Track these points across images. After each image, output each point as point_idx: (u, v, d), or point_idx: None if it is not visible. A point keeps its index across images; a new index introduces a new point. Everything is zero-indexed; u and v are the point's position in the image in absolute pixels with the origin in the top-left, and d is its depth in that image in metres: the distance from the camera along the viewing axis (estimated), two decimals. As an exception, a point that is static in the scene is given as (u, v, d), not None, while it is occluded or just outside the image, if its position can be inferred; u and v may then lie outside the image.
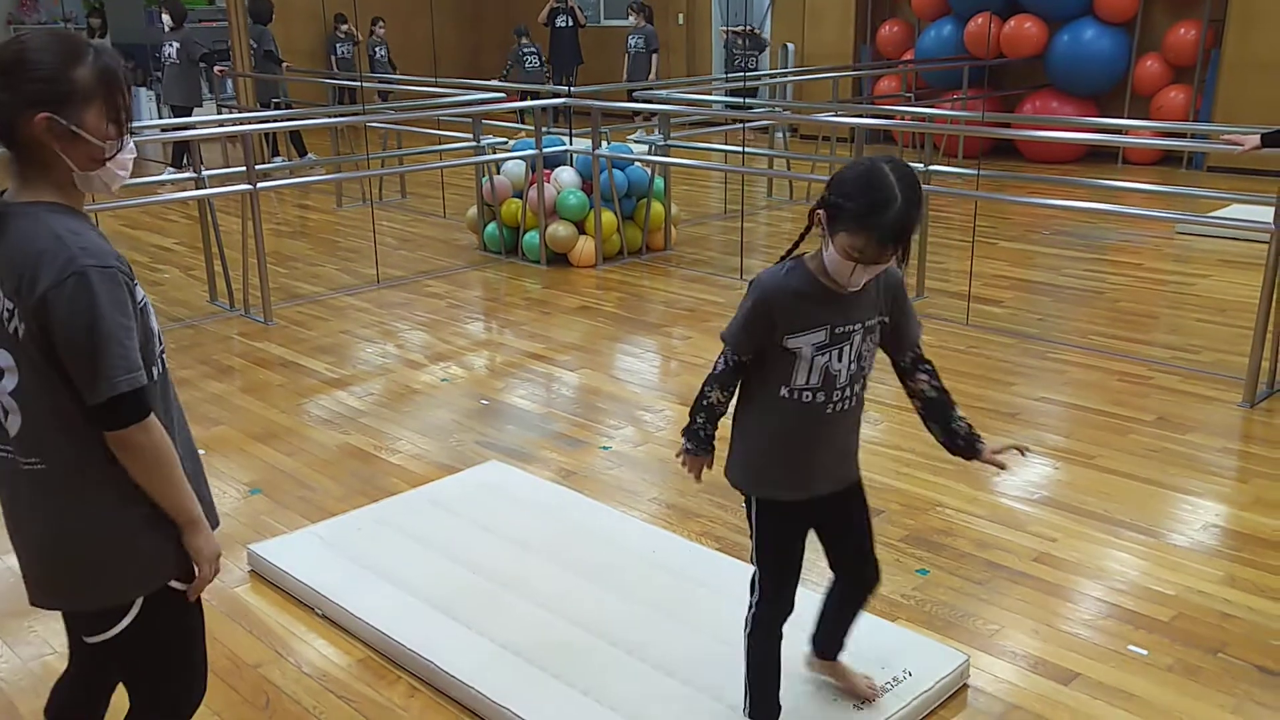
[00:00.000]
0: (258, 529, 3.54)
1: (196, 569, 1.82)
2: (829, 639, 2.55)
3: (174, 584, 1.81)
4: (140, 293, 1.70)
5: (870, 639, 2.75)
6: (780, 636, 2.35)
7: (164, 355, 1.79)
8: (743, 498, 2.32)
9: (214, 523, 1.87)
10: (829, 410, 2.17)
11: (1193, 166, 10.05)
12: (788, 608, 2.33)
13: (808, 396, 2.15)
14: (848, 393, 2.18)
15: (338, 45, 12.71)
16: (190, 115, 9.75)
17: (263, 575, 3.24)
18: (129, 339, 1.63)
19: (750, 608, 2.34)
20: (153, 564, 1.78)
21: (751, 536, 2.31)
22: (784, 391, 2.15)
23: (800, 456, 2.21)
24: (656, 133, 7.52)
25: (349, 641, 2.92)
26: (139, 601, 1.78)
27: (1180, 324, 5.60)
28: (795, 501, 2.26)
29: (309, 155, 10.10)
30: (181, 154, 9.59)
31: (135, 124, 10.92)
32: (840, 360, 2.13)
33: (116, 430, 1.65)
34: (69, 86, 1.61)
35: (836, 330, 2.11)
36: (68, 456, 1.69)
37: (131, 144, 1.72)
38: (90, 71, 1.63)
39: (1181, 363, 4.98)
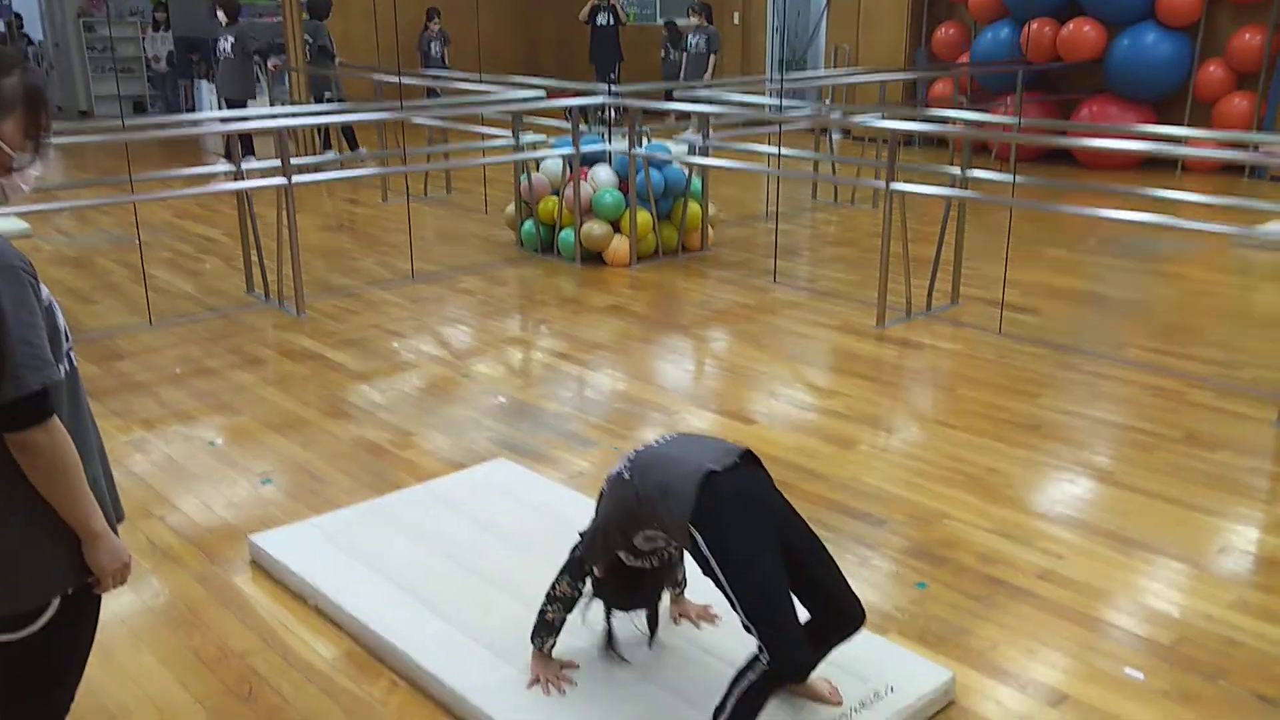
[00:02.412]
0: (264, 520, 3.58)
1: (97, 583, 1.79)
2: None
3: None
4: (45, 292, 1.70)
5: (856, 653, 2.69)
6: None
7: (72, 353, 1.78)
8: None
9: (119, 516, 1.86)
10: None
11: (1255, 176, 9.76)
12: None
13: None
14: None
15: (431, 44, 12.82)
16: (244, 107, 9.93)
17: (262, 566, 3.28)
18: (38, 337, 1.63)
19: (768, 664, 2.25)
20: (63, 565, 1.75)
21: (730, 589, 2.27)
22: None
23: None
24: (697, 133, 7.47)
25: (338, 635, 2.94)
26: (54, 604, 1.75)
27: (1223, 338, 5.43)
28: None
29: (360, 149, 10.21)
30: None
31: (196, 114, 11.03)
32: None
33: (17, 432, 1.63)
34: None
35: None
36: None
37: (39, 163, 1.71)
38: (16, 83, 1.64)
39: (1219, 378, 4.83)
